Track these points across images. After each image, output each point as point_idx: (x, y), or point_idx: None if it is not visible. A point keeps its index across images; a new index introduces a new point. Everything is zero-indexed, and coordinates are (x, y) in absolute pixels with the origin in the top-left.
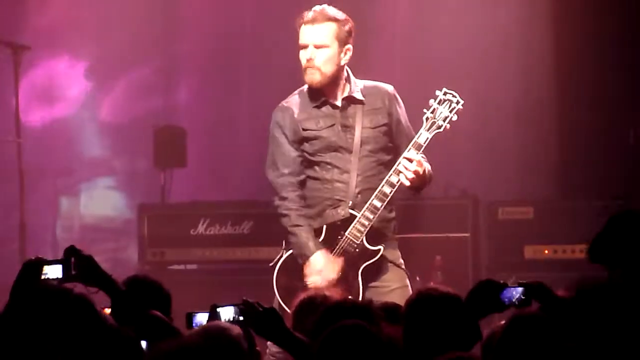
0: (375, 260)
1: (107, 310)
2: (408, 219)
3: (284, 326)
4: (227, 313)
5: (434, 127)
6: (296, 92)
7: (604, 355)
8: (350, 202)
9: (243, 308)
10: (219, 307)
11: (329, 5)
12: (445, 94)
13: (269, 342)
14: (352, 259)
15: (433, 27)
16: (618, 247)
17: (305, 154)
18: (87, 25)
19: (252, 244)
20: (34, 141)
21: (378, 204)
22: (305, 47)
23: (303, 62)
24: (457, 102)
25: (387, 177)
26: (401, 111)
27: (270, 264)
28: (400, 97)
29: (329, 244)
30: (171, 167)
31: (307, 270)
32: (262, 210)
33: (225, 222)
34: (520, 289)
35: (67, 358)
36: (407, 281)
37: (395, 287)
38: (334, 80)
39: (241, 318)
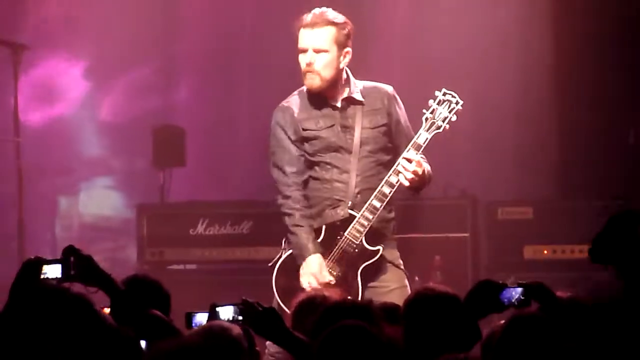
0: (375, 261)
1: (107, 310)
2: (407, 219)
3: (284, 326)
4: (226, 312)
5: (433, 127)
6: (296, 92)
7: (603, 355)
8: (350, 202)
9: (242, 308)
10: (218, 306)
11: (328, 6)
12: (444, 94)
13: (268, 342)
14: (351, 259)
15: (432, 28)
16: (619, 247)
17: (305, 154)
18: (86, 25)
19: (252, 244)
20: (33, 140)
21: (377, 204)
22: (304, 51)
23: (302, 66)
24: (457, 103)
25: (386, 178)
26: (400, 112)
27: (270, 264)
28: (400, 98)
29: (329, 244)
30: (170, 166)
31: (302, 270)
32: (261, 210)
33: (225, 222)
34: (519, 289)
35: (66, 358)
36: (406, 281)
37: (394, 288)
38: (334, 83)
39: (240, 318)
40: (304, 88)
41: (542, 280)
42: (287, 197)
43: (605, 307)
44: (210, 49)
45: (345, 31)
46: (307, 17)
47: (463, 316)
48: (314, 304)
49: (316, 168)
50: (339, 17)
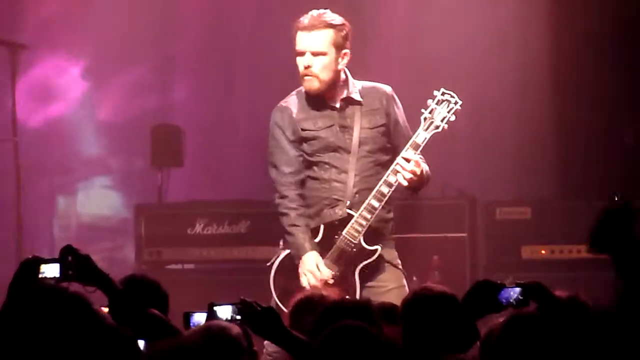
0: (373, 260)
1: (105, 310)
2: (405, 219)
3: (282, 325)
4: (224, 312)
5: (431, 127)
6: (294, 92)
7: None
8: (348, 202)
9: (241, 307)
10: (216, 305)
11: (327, 6)
12: (443, 94)
13: (266, 342)
14: (349, 258)
15: (431, 28)
16: (614, 236)
17: (304, 154)
18: (84, 24)
19: (249, 243)
20: (30, 140)
21: (376, 203)
22: (302, 53)
23: (300, 68)
24: (455, 103)
25: (384, 177)
26: (399, 112)
27: (268, 264)
28: (398, 98)
29: (327, 244)
30: (168, 166)
31: (300, 270)
32: (259, 209)
33: (222, 222)
34: (518, 289)
35: (64, 357)
36: (404, 281)
37: (392, 287)
38: (332, 85)
39: (239, 317)
40: (302, 88)
41: (540, 280)
42: (283, 197)
43: (605, 313)
44: (209, 49)
45: (343, 33)
46: (305, 20)
47: (461, 316)
48: (312, 304)
49: (315, 168)
50: (337, 19)
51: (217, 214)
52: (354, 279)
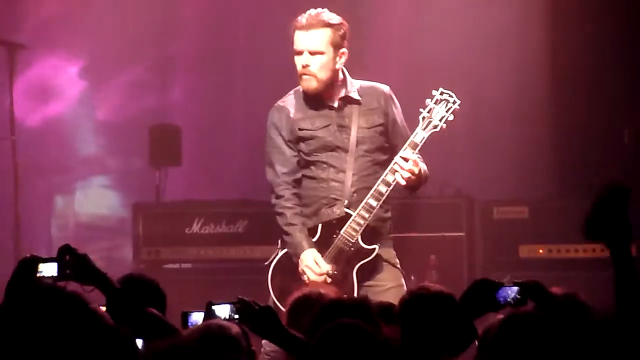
0: (371, 260)
1: (103, 309)
2: (403, 218)
3: (280, 324)
4: (222, 311)
5: (430, 126)
6: (292, 91)
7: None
8: (346, 201)
9: (239, 306)
10: (214, 304)
11: (324, 6)
12: (441, 93)
13: (264, 341)
14: (347, 257)
15: (429, 27)
16: (609, 222)
17: (302, 154)
18: (82, 24)
19: (247, 242)
20: (28, 139)
21: (373, 202)
22: (300, 53)
23: (298, 68)
24: (454, 102)
25: (382, 176)
26: (397, 111)
27: (265, 263)
28: (397, 97)
29: (324, 243)
30: (166, 165)
31: (300, 267)
32: (257, 209)
33: (220, 221)
34: (515, 289)
35: (62, 357)
36: (402, 280)
37: (390, 287)
38: (330, 84)
39: (237, 316)
40: (300, 88)
41: (537, 279)
42: (279, 197)
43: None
44: (207, 48)
45: (341, 32)
46: (302, 19)
47: (459, 315)
48: (310, 302)
49: (312, 167)
50: (335, 18)
51: (215, 213)
52: (352, 278)
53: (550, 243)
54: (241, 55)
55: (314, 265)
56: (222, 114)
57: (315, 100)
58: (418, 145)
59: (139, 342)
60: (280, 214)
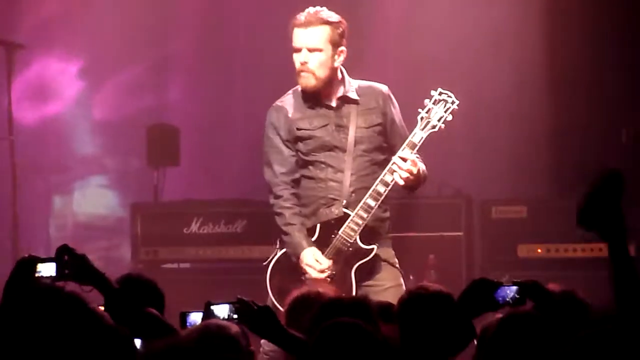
0: (369, 259)
1: (101, 309)
2: (402, 218)
3: (279, 324)
4: (221, 311)
5: (428, 126)
6: (290, 91)
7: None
8: (345, 201)
9: (238, 306)
10: (213, 304)
11: (323, 5)
12: (440, 94)
13: (262, 341)
14: (345, 257)
15: (427, 27)
16: (603, 210)
17: (300, 154)
18: (80, 24)
19: (246, 242)
20: (27, 139)
21: (372, 202)
22: (298, 50)
23: (297, 65)
24: (452, 102)
25: (381, 176)
26: (395, 111)
27: (264, 263)
28: (395, 97)
29: (323, 243)
30: (164, 165)
31: (302, 266)
32: (255, 209)
33: (219, 221)
34: (514, 288)
35: (60, 357)
36: (401, 280)
37: (389, 286)
38: (329, 83)
39: (236, 316)
40: (298, 87)
41: (536, 278)
42: (278, 197)
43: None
44: (205, 48)
45: (340, 30)
46: (301, 17)
47: (457, 315)
48: (308, 302)
49: (310, 167)
50: (333, 16)
51: (213, 213)
52: (351, 278)
53: (548, 242)
54: (240, 55)
55: (315, 263)
56: (220, 113)
57: (314, 99)
58: (416, 145)
59: (138, 342)
60: (279, 214)
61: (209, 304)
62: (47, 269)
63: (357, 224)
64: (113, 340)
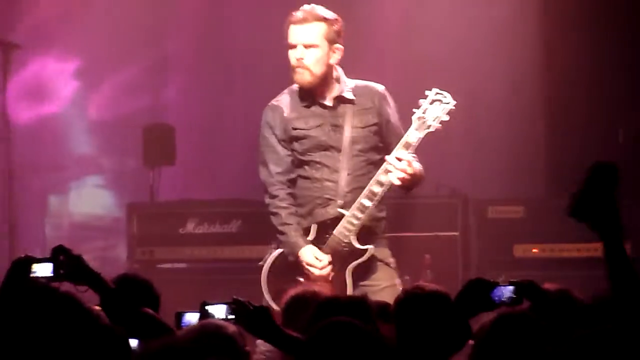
0: (365, 259)
1: (97, 309)
2: (398, 217)
3: (275, 324)
4: (217, 311)
5: (424, 126)
6: (286, 90)
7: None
8: (340, 201)
9: (234, 306)
10: (208, 304)
11: (322, 5)
12: (436, 94)
13: (258, 341)
14: (341, 257)
15: (425, 27)
16: (596, 202)
17: (295, 153)
18: (77, 23)
19: (241, 242)
20: (23, 138)
21: (367, 202)
22: (294, 46)
23: (292, 61)
24: (448, 103)
25: (375, 176)
26: (391, 111)
27: (260, 263)
28: (393, 96)
29: (319, 243)
30: (160, 165)
31: (303, 265)
32: (251, 209)
33: (214, 221)
34: (510, 288)
35: (56, 357)
36: (397, 280)
37: (385, 286)
38: (324, 80)
39: (232, 316)
40: (294, 87)
41: (532, 278)
42: (273, 197)
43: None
44: (201, 47)
45: (336, 27)
46: (297, 14)
47: (453, 315)
48: (304, 301)
49: (306, 167)
50: (329, 14)
51: (209, 213)
52: (347, 278)
53: (545, 242)
54: (236, 55)
55: (315, 261)
56: (216, 113)
57: (309, 99)
58: (411, 145)
59: (134, 342)
60: (275, 213)
61: (204, 304)
62: (42, 269)
63: (352, 223)
64: (109, 340)
